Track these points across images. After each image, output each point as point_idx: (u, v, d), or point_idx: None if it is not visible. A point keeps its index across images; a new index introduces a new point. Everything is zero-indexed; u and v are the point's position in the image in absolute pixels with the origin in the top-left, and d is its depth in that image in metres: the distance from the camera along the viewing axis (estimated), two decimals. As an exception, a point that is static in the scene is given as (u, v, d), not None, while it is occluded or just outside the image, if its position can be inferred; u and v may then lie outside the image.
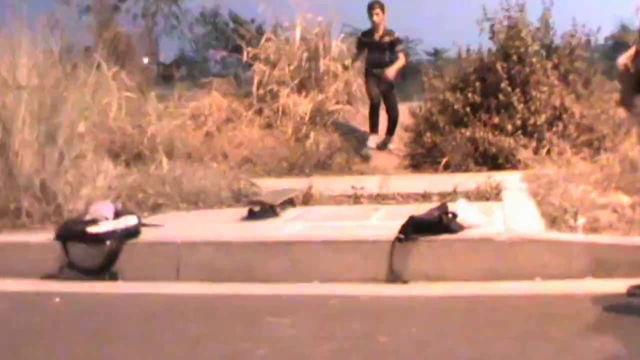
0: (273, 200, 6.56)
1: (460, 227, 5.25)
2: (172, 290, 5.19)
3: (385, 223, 5.83)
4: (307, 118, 10.81)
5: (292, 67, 11.79)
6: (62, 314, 4.82)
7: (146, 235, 5.76)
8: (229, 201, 7.13)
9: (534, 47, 9.48)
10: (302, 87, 11.63)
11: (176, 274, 5.41)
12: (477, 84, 9.48)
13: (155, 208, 6.80)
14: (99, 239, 5.56)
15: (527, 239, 5.09)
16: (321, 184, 7.43)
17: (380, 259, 5.13)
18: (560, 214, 5.63)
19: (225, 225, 6.18)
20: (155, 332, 4.30)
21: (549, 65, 9.56)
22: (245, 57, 12.18)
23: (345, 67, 11.34)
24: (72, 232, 5.68)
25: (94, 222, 5.73)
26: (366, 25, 10.57)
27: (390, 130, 10.41)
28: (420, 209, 5.57)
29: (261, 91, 11.68)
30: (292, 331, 4.18)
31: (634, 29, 8.43)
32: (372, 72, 10.24)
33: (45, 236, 5.82)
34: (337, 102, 11.53)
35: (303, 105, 11.06)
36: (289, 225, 6.07)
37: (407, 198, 6.98)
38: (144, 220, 6.07)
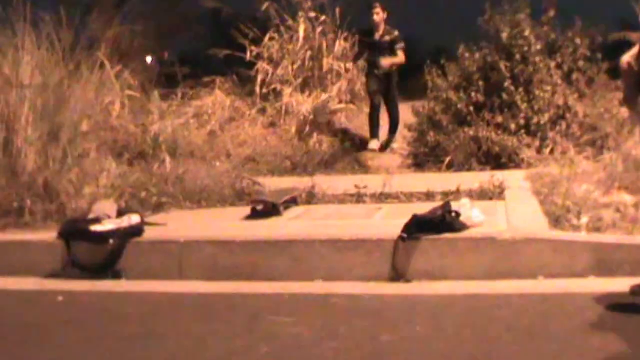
0: (276, 199, 6.56)
1: (463, 226, 5.26)
2: (174, 288, 5.20)
3: (388, 222, 5.83)
4: (310, 117, 10.80)
5: (295, 66, 11.79)
6: (65, 312, 4.83)
7: (149, 233, 5.76)
8: (231, 200, 7.13)
9: (537, 46, 9.46)
10: (305, 86, 11.63)
11: (179, 272, 5.42)
12: (480, 83, 9.46)
13: (158, 206, 6.80)
14: (102, 237, 5.57)
15: (529, 237, 5.09)
16: (324, 182, 7.43)
17: (383, 258, 5.13)
18: (563, 212, 5.63)
19: (228, 223, 6.18)
20: (158, 330, 4.30)
21: (552, 64, 9.54)
22: (248, 56, 12.18)
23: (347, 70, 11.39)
24: (75, 231, 5.69)
25: (97, 220, 5.73)
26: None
27: (393, 130, 10.42)
28: (423, 208, 5.56)
29: (264, 90, 11.68)
30: (294, 329, 4.18)
31: (638, 28, 8.41)
32: (373, 73, 10.19)
33: (48, 234, 5.83)
34: (340, 101, 11.53)
35: (306, 104, 11.05)
36: (291, 224, 6.07)
37: (410, 197, 6.97)
38: (146, 219, 6.08)
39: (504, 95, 9.26)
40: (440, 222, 5.23)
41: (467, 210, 5.43)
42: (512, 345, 3.81)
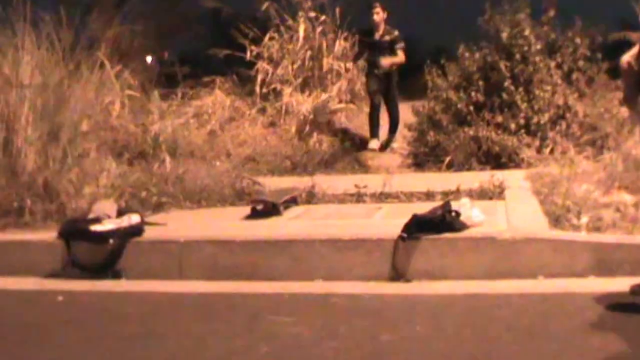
0: (276, 199, 6.55)
1: (463, 226, 5.25)
2: (174, 288, 5.20)
3: (388, 221, 5.83)
4: (310, 117, 10.80)
5: (295, 66, 11.79)
6: (65, 312, 4.83)
7: (149, 233, 5.76)
8: (232, 200, 7.13)
9: (538, 45, 9.46)
10: (305, 86, 11.63)
11: (179, 272, 5.42)
12: (481, 82, 9.46)
13: (158, 206, 6.80)
14: (102, 237, 5.57)
15: (530, 237, 5.09)
16: (324, 182, 7.43)
17: (383, 258, 5.13)
18: (563, 212, 5.62)
19: (228, 223, 6.18)
20: (158, 330, 4.30)
21: (553, 64, 9.54)
22: (248, 56, 12.18)
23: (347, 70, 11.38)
24: (75, 231, 5.69)
25: (97, 220, 5.73)
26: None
27: (393, 129, 10.41)
28: (423, 208, 5.56)
29: (264, 90, 11.68)
30: (294, 329, 4.18)
31: (638, 28, 8.41)
32: (373, 73, 10.15)
33: (48, 234, 5.83)
34: (341, 101, 11.53)
35: (306, 104, 11.05)
36: (291, 224, 6.07)
37: (410, 197, 6.97)
38: (147, 219, 6.08)
39: (504, 95, 9.26)
40: (440, 222, 5.23)
41: (467, 210, 5.43)
42: (512, 345, 3.81)
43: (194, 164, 8.24)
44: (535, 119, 9.13)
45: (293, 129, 10.63)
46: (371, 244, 5.23)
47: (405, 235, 5.12)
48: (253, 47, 12.13)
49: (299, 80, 11.66)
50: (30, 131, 6.73)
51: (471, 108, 9.35)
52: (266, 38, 12.30)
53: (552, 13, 9.81)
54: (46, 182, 6.49)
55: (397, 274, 5.08)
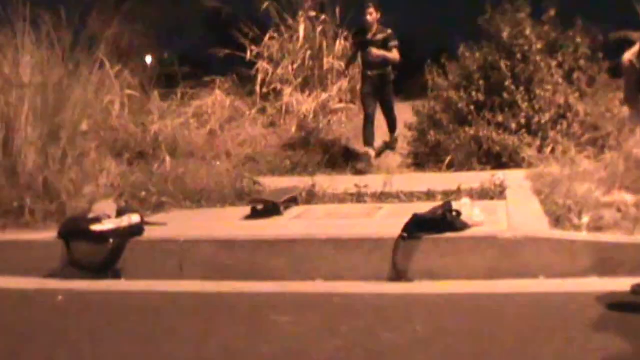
0: (276, 199, 6.55)
1: (464, 225, 5.25)
2: (174, 287, 5.19)
3: (388, 221, 5.82)
4: (310, 116, 10.79)
5: (295, 66, 11.81)
6: (64, 311, 4.82)
7: (149, 233, 5.76)
8: (232, 199, 7.12)
9: (538, 44, 9.45)
10: (305, 86, 11.63)
11: (179, 272, 5.41)
12: (481, 82, 9.46)
13: (158, 206, 6.80)
14: (102, 236, 5.57)
15: (530, 237, 5.08)
16: (324, 182, 7.42)
17: (383, 257, 5.12)
18: (564, 212, 5.61)
19: (228, 223, 6.18)
20: (158, 329, 4.29)
21: (553, 63, 9.54)
22: (248, 56, 12.18)
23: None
24: (75, 230, 5.69)
25: (97, 220, 5.73)
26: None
27: (392, 130, 10.27)
28: (423, 207, 5.56)
29: (264, 89, 11.69)
30: (295, 328, 4.18)
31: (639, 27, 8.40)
32: (367, 75, 9.83)
33: (48, 234, 5.82)
34: (341, 101, 11.53)
35: (306, 104, 11.05)
36: (292, 223, 6.06)
37: (411, 196, 6.96)
38: (146, 219, 6.08)
39: (505, 95, 9.26)
40: (440, 221, 5.22)
41: (468, 209, 5.43)
42: (512, 344, 3.80)
43: (193, 164, 8.24)
44: (535, 118, 9.12)
45: (293, 129, 10.63)
46: (371, 243, 5.23)
47: (405, 234, 5.12)
48: (253, 47, 12.14)
49: (299, 79, 11.68)
50: (30, 131, 6.73)
51: (471, 107, 9.35)
52: (266, 38, 12.31)
53: (552, 12, 9.80)
54: (46, 181, 6.49)
55: (398, 274, 5.07)
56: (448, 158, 9.06)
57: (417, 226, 5.17)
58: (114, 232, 5.58)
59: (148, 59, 13.73)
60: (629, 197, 5.98)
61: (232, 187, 7.34)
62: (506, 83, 9.27)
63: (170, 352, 3.91)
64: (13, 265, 5.65)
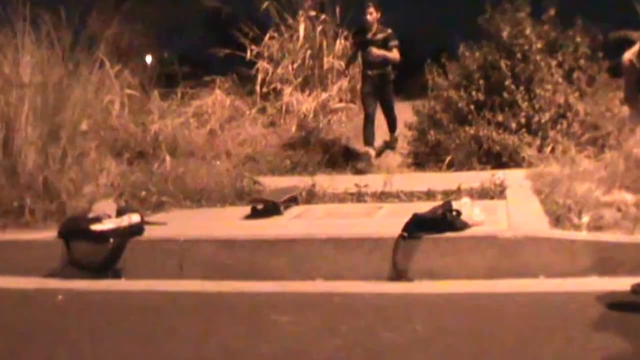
0: (276, 198, 6.55)
1: (464, 225, 5.25)
2: (175, 287, 5.19)
3: (389, 221, 5.82)
4: (310, 116, 10.79)
5: (295, 65, 11.81)
6: (65, 311, 4.82)
7: (149, 233, 5.76)
8: (232, 199, 7.12)
9: (538, 44, 9.45)
10: (305, 85, 11.63)
11: (179, 272, 5.41)
12: (481, 82, 9.46)
13: (159, 206, 6.80)
14: (102, 236, 5.57)
15: (531, 236, 5.08)
16: (325, 182, 7.42)
17: (383, 257, 5.12)
18: (565, 212, 5.61)
19: (228, 223, 6.18)
20: (158, 329, 4.29)
21: (553, 63, 9.54)
22: (248, 55, 12.18)
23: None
24: (75, 230, 5.69)
25: (97, 219, 5.73)
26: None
27: (392, 129, 10.25)
28: (424, 207, 5.55)
29: (264, 89, 11.69)
30: (295, 328, 4.18)
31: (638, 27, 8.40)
32: (368, 75, 9.78)
33: (48, 234, 5.82)
34: (341, 100, 11.53)
35: (307, 104, 11.05)
36: (292, 223, 6.06)
37: (411, 196, 6.96)
38: (147, 218, 6.08)
39: (505, 94, 9.26)
40: (441, 221, 5.22)
41: (468, 209, 5.43)
42: (512, 344, 3.80)
43: (194, 164, 8.23)
44: (536, 118, 9.12)
45: (293, 129, 10.62)
46: (372, 243, 5.22)
47: (405, 234, 5.11)
48: (253, 47, 12.14)
49: (299, 79, 11.67)
50: (30, 130, 6.73)
51: (472, 107, 9.35)
52: (266, 37, 12.31)
53: (552, 12, 9.79)
54: (46, 181, 6.49)
55: (398, 273, 5.07)
56: (448, 158, 9.06)
57: (418, 226, 5.17)
58: (114, 232, 5.58)
59: (148, 58, 13.73)
60: (629, 197, 5.98)
61: (232, 187, 7.34)
62: (506, 83, 9.27)
63: (170, 352, 3.91)
64: (13, 265, 5.65)
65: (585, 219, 5.41)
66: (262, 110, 11.39)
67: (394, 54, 9.56)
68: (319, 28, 12.10)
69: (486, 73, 9.51)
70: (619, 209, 5.64)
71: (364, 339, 3.97)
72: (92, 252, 5.55)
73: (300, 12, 12.15)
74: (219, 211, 6.78)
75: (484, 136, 9.03)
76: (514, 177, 7.49)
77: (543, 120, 9.10)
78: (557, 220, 5.48)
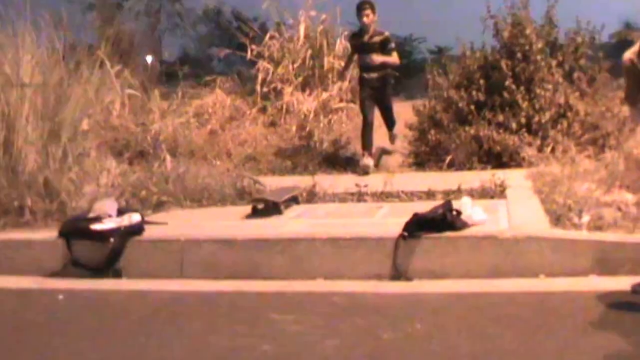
0: (277, 198, 6.55)
1: (465, 225, 5.25)
2: (175, 287, 5.19)
3: (389, 220, 5.82)
4: (311, 116, 10.79)
5: (295, 65, 11.80)
6: (65, 311, 4.83)
7: (150, 232, 5.76)
8: (232, 199, 7.12)
9: (539, 44, 9.44)
10: (306, 85, 11.63)
11: (180, 271, 5.41)
12: (482, 81, 9.45)
13: (159, 205, 6.79)
14: (102, 236, 5.57)
15: (531, 236, 5.08)
16: (325, 181, 7.42)
17: (384, 256, 5.13)
18: (565, 211, 5.62)
19: (228, 222, 6.18)
20: (159, 329, 4.30)
21: (554, 63, 9.52)
22: (249, 55, 12.19)
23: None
24: (75, 230, 5.69)
25: (97, 219, 5.73)
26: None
27: (391, 128, 10.15)
28: (424, 207, 5.56)
29: (265, 89, 11.69)
30: (296, 327, 4.18)
31: (638, 27, 8.39)
32: (365, 78, 9.67)
33: (48, 234, 5.82)
34: (341, 100, 11.53)
35: (307, 103, 11.05)
36: (292, 223, 6.06)
37: (411, 196, 6.96)
38: (147, 218, 6.08)
39: (505, 94, 9.25)
40: (441, 220, 5.23)
41: (469, 209, 5.43)
42: (513, 343, 3.80)
43: (194, 164, 8.23)
44: (536, 118, 9.11)
45: (294, 128, 10.62)
46: (372, 242, 5.23)
47: (406, 234, 5.12)
48: (254, 47, 12.14)
49: (300, 79, 11.66)
50: (31, 130, 6.73)
51: (472, 107, 9.34)
52: (267, 37, 12.31)
53: (552, 11, 9.80)
54: (46, 181, 6.49)
55: (398, 273, 5.07)
56: (449, 158, 9.05)
57: (418, 226, 5.18)
58: (115, 232, 5.58)
59: (149, 58, 13.74)
60: (629, 197, 5.99)
61: (233, 187, 7.33)
62: (507, 83, 9.25)
63: (171, 352, 3.91)
64: (13, 265, 5.65)
65: (586, 218, 5.41)
66: (263, 110, 11.39)
67: (394, 58, 9.47)
68: (320, 28, 12.10)
69: (487, 73, 9.50)
70: (619, 209, 5.65)
71: (364, 338, 3.98)
72: (93, 251, 5.55)
73: (301, 12, 12.15)
74: (219, 211, 6.78)
75: (485, 136, 9.03)
76: (514, 177, 7.49)
77: (543, 120, 9.10)
78: (557, 220, 5.49)
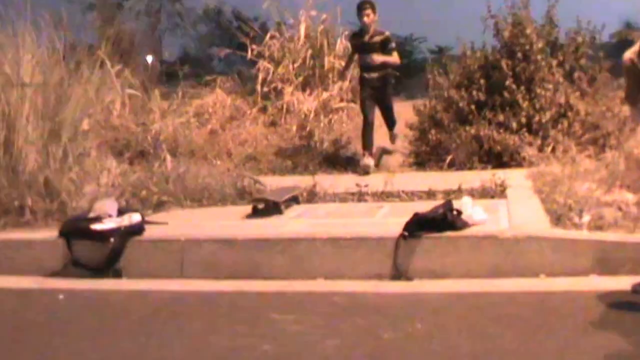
0: (277, 198, 6.55)
1: (465, 225, 5.25)
2: (175, 287, 5.19)
3: (389, 220, 5.82)
4: (311, 116, 10.78)
5: (296, 65, 11.79)
6: (65, 311, 4.83)
7: (150, 232, 5.76)
8: (233, 199, 7.12)
9: (539, 44, 9.44)
10: (306, 85, 11.63)
11: (180, 271, 5.42)
12: (482, 81, 9.45)
13: (159, 205, 6.79)
14: (102, 236, 5.57)
15: (531, 236, 5.08)
16: (325, 181, 7.42)
17: (384, 256, 5.13)
18: (565, 211, 5.62)
19: (229, 222, 6.18)
20: (159, 328, 4.30)
21: (554, 62, 9.52)
22: (249, 55, 12.19)
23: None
24: (76, 230, 5.69)
25: (97, 219, 5.73)
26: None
27: (391, 127, 10.14)
28: (424, 207, 5.56)
29: (265, 89, 11.68)
30: (296, 327, 4.18)
31: (638, 27, 8.40)
32: (365, 78, 9.66)
33: (49, 233, 5.82)
34: (342, 100, 11.52)
35: (307, 103, 11.05)
36: (293, 223, 6.06)
37: (412, 195, 6.96)
38: (147, 218, 6.08)
39: (506, 94, 9.25)
40: (441, 220, 5.23)
41: (469, 208, 5.43)
42: (513, 343, 3.80)
43: (194, 163, 8.23)
44: (536, 118, 9.11)
45: (294, 128, 10.62)
46: (373, 242, 5.23)
47: (406, 233, 5.12)
48: (254, 46, 12.14)
49: (300, 79, 11.66)
50: (31, 130, 6.73)
51: (473, 107, 9.34)
52: (267, 37, 12.31)
53: (553, 11, 9.79)
54: (47, 181, 6.49)
55: (399, 273, 5.07)
56: (449, 157, 9.05)
57: (418, 225, 5.18)
58: (115, 232, 5.58)
59: (149, 58, 13.75)
60: (629, 196, 5.99)
61: (233, 187, 7.33)
62: (507, 82, 9.25)
63: (171, 352, 3.91)
64: (14, 265, 5.65)
65: (586, 218, 5.41)
66: (263, 109, 11.39)
67: (394, 58, 9.46)
68: (320, 28, 12.10)
69: (487, 73, 9.50)
70: (619, 209, 5.65)
71: (364, 338, 3.98)
72: (93, 251, 5.55)
73: (301, 12, 12.15)
74: (219, 211, 6.78)
75: (485, 136, 9.03)
76: (514, 177, 7.49)
77: (544, 120, 9.09)
78: (557, 220, 5.49)
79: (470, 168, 8.81)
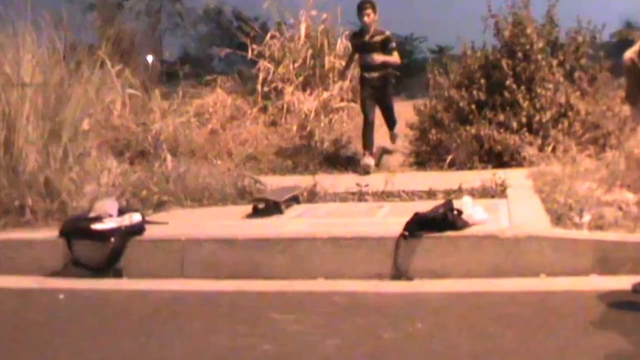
0: (277, 198, 6.55)
1: (465, 224, 5.25)
2: (176, 287, 5.19)
3: (390, 220, 5.82)
4: (311, 115, 10.78)
5: (296, 65, 11.80)
6: (66, 310, 4.83)
7: (150, 232, 5.76)
8: (233, 198, 7.12)
9: (539, 44, 9.44)
10: (306, 85, 11.63)
11: (180, 271, 5.42)
12: (482, 81, 9.45)
13: (160, 205, 6.79)
14: (103, 236, 5.57)
15: (532, 236, 5.08)
16: (326, 181, 7.42)
17: (385, 256, 5.13)
18: (566, 211, 5.62)
19: (229, 222, 6.18)
20: (160, 328, 4.30)
21: (554, 62, 9.52)
22: (249, 55, 12.19)
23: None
24: (76, 229, 5.69)
25: (98, 219, 5.73)
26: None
27: (392, 127, 10.13)
28: (425, 206, 5.56)
29: (266, 89, 11.69)
30: (297, 327, 4.18)
31: (639, 26, 8.40)
32: (366, 78, 9.66)
33: (49, 233, 5.82)
34: (342, 100, 11.52)
35: (308, 103, 11.05)
36: (293, 222, 6.06)
37: (412, 195, 6.96)
38: (148, 218, 6.08)
39: (506, 94, 9.25)
40: (442, 220, 5.23)
41: (469, 208, 5.43)
42: (513, 343, 3.80)
43: (195, 163, 8.23)
44: (537, 118, 9.11)
45: (294, 128, 10.62)
46: (373, 242, 5.23)
47: (407, 233, 5.12)
48: (254, 46, 12.14)
49: (301, 78, 11.66)
50: (31, 130, 6.73)
51: (473, 106, 9.34)
52: (267, 37, 12.32)
53: (553, 11, 9.79)
54: (47, 180, 6.49)
55: (399, 272, 5.07)
56: (449, 157, 9.05)
57: (419, 225, 5.18)
58: (116, 231, 5.59)
59: (149, 58, 13.75)
60: (630, 196, 5.99)
61: (233, 186, 7.34)
62: (507, 82, 9.25)
63: (171, 351, 3.91)
64: (14, 264, 5.65)
65: (586, 218, 5.41)
66: (264, 109, 11.39)
67: (395, 58, 9.45)
68: (320, 27, 12.10)
69: (487, 72, 9.50)
70: (619, 208, 5.65)
71: (365, 337, 3.98)
72: (93, 251, 5.55)
73: (302, 12, 12.15)
74: (220, 210, 6.78)
75: (485, 135, 9.02)
76: (515, 177, 7.49)
77: (544, 120, 9.09)
78: (558, 219, 5.49)
79: (471, 168, 8.81)
